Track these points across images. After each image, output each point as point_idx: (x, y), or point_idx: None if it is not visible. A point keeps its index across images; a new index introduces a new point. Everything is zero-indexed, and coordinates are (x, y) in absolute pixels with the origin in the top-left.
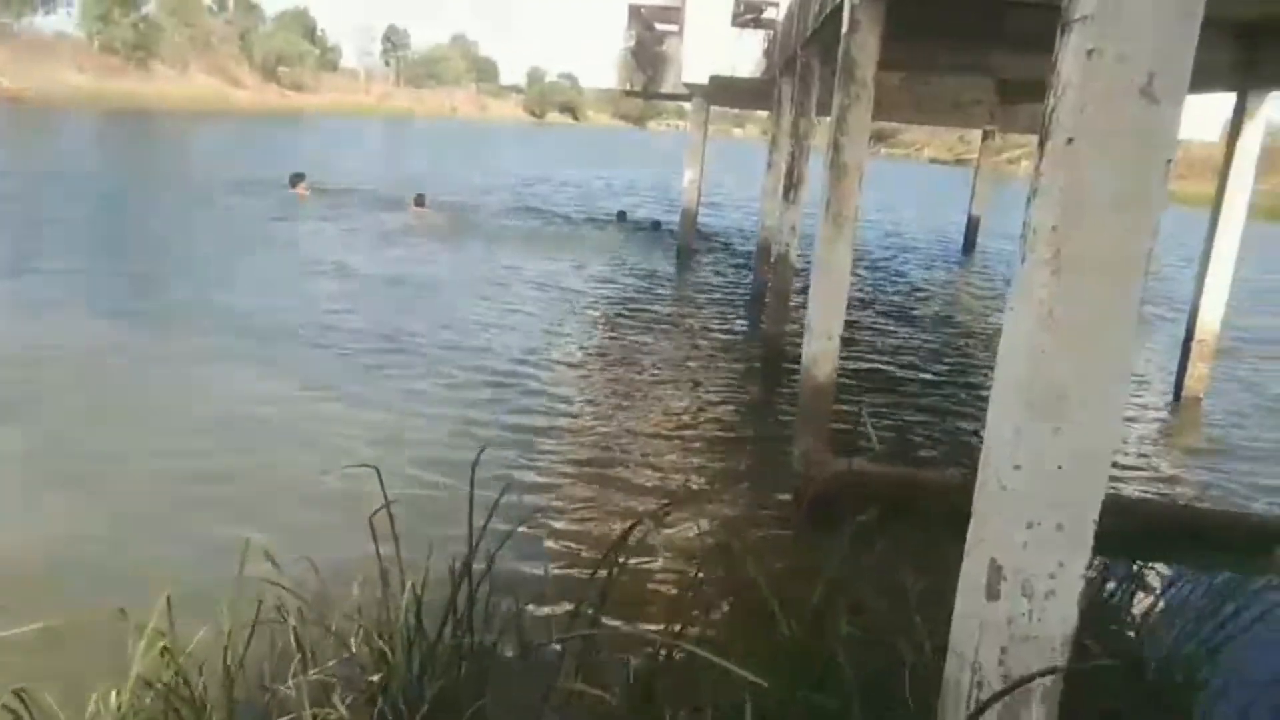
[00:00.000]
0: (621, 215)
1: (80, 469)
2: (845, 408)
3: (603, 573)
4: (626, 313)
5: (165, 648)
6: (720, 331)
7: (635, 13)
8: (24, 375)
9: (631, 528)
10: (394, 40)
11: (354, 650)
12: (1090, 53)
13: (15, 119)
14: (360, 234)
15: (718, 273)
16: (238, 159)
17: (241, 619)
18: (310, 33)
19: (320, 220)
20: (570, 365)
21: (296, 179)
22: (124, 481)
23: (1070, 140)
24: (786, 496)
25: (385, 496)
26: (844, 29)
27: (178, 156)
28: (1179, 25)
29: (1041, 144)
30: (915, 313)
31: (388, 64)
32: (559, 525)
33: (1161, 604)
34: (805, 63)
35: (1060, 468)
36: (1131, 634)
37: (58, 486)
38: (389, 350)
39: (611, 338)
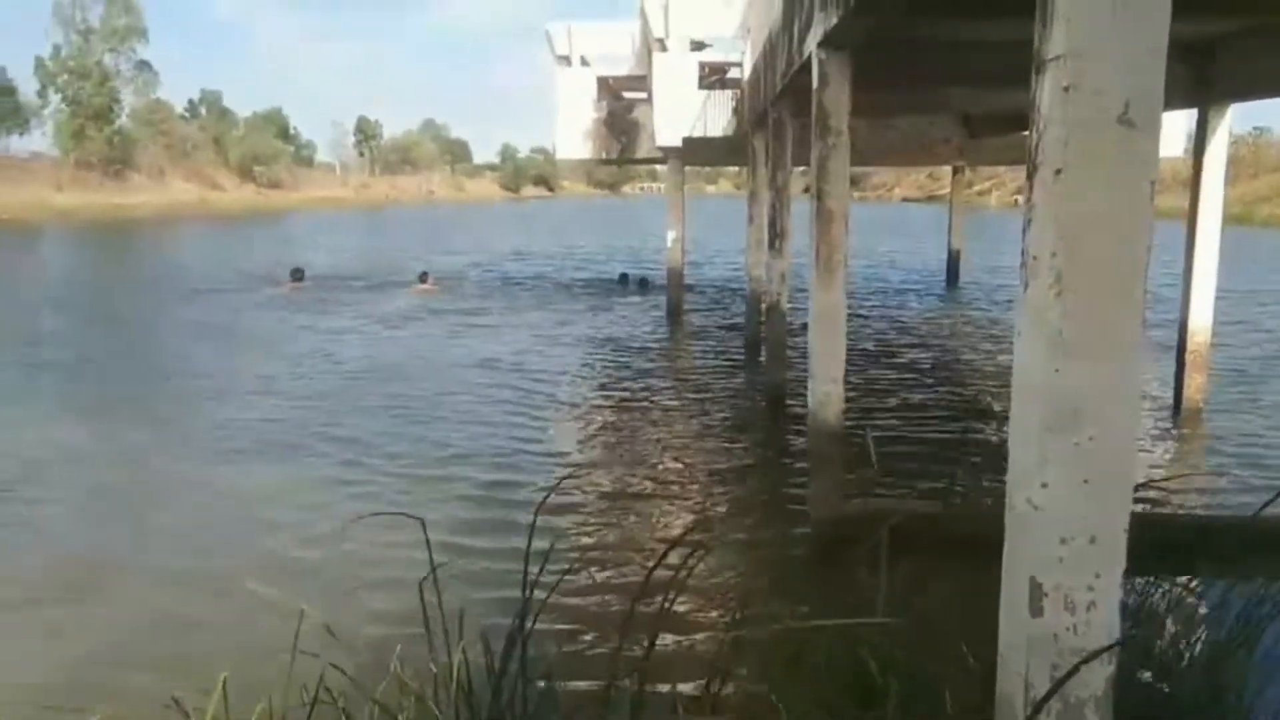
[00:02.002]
0: (624, 278)
1: (121, 564)
2: (852, 448)
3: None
4: (628, 372)
5: None
6: (721, 383)
7: (604, 84)
8: (38, 487)
9: (660, 561)
10: (366, 131)
11: None
12: (1067, 89)
13: None
14: (368, 316)
15: (709, 328)
16: (228, 259)
17: (291, 700)
18: (284, 131)
19: (325, 309)
20: (577, 425)
21: (296, 273)
22: (163, 574)
23: (1058, 171)
24: (804, 535)
25: (431, 558)
26: (815, 83)
27: (164, 262)
28: (1148, 56)
29: (1030, 176)
30: (910, 348)
31: (362, 154)
32: (588, 581)
33: (1196, 616)
34: (777, 118)
35: (1086, 482)
36: (1167, 648)
37: (98, 585)
38: (402, 431)
39: (616, 395)
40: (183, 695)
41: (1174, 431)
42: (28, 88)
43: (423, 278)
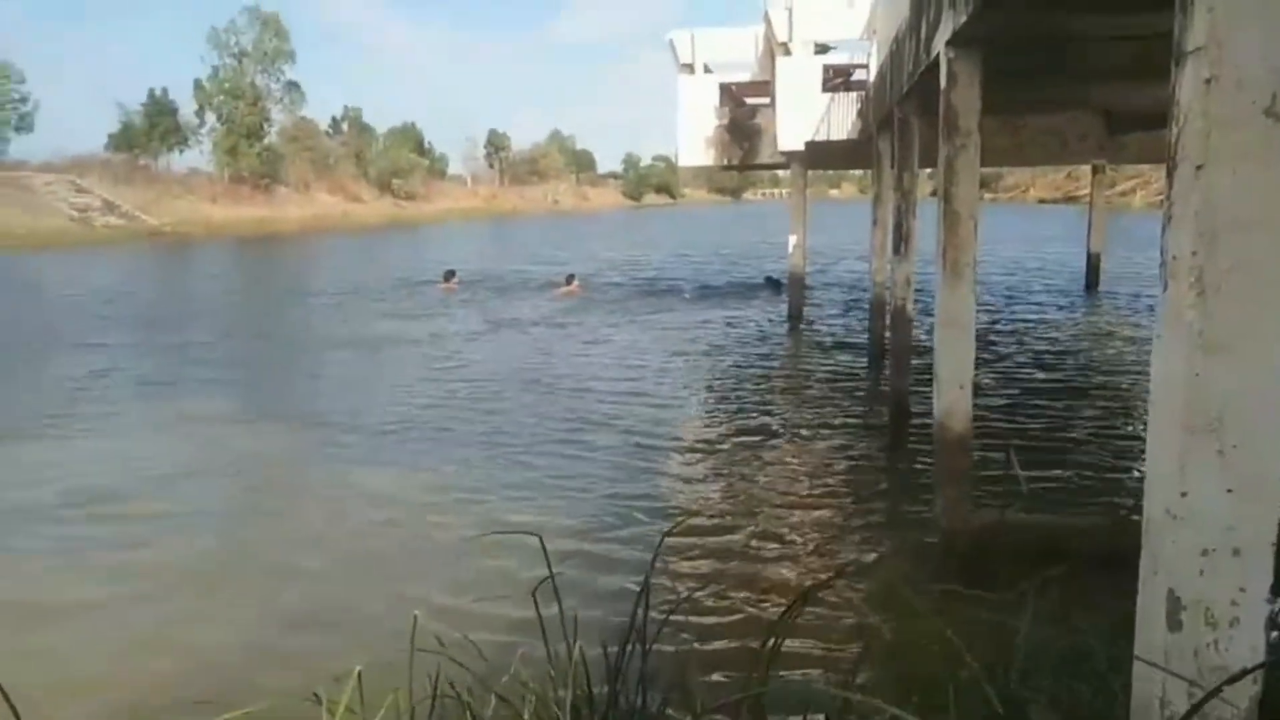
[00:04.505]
0: (769, 281)
1: (260, 566)
2: (981, 456)
3: (769, 640)
4: (753, 377)
5: None
6: (844, 389)
7: (726, 90)
8: (193, 486)
9: (802, 597)
10: (495, 144)
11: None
12: (1208, 81)
13: (159, 252)
14: (518, 316)
15: (832, 332)
16: (383, 265)
17: (418, 694)
18: (419, 145)
19: (479, 309)
20: (704, 430)
21: (449, 274)
22: (295, 575)
23: (1200, 167)
24: (932, 545)
25: (549, 565)
26: (943, 82)
27: (319, 269)
28: None
29: (1170, 173)
30: (1043, 356)
31: (491, 166)
32: (712, 593)
33: None
34: (903, 119)
35: (1229, 491)
36: None
37: (241, 584)
38: (539, 434)
39: (740, 401)
40: (320, 689)
41: None
42: (186, 108)
43: (569, 280)
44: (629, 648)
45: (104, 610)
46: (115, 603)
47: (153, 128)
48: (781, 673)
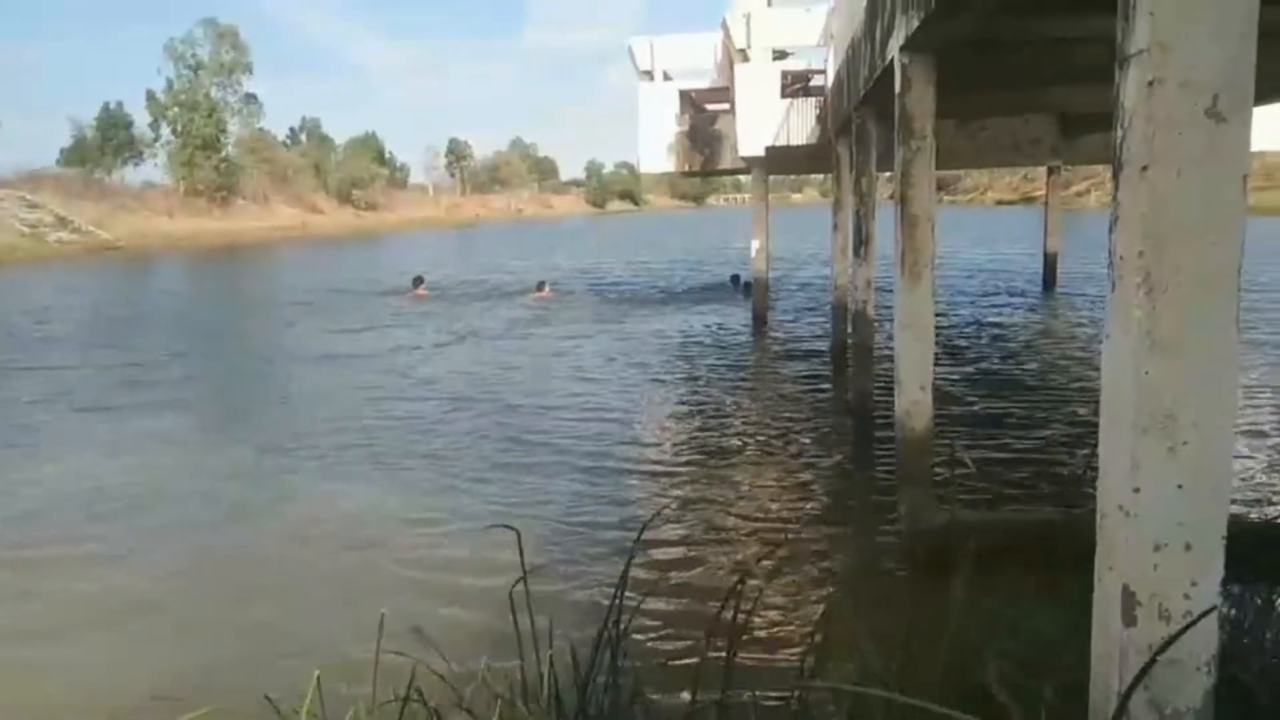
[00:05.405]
0: (735, 280)
1: (214, 586)
2: (943, 456)
3: (722, 642)
4: (716, 381)
5: None
6: (807, 389)
7: (687, 97)
8: (138, 510)
9: (741, 581)
10: (457, 152)
11: None
12: (1151, 83)
13: (112, 267)
14: (493, 320)
15: (796, 335)
16: (346, 274)
17: (381, 697)
18: (379, 155)
19: (452, 314)
20: (666, 429)
21: (418, 281)
22: (262, 578)
23: (1144, 169)
24: (892, 546)
25: (523, 564)
26: (897, 87)
27: (281, 280)
28: (1236, 45)
29: (1116, 175)
30: (1002, 357)
31: (453, 175)
32: (672, 588)
33: None
34: (861, 123)
35: (1180, 486)
36: (1269, 660)
37: (195, 604)
38: (511, 437)
39: (702, 403)
40: (277, 696)
41: None
42: (140, 120)
43: (540, 286)
44: (598, 655)
45: (51, 637)
46: (65, 629)
47: (106, 141)
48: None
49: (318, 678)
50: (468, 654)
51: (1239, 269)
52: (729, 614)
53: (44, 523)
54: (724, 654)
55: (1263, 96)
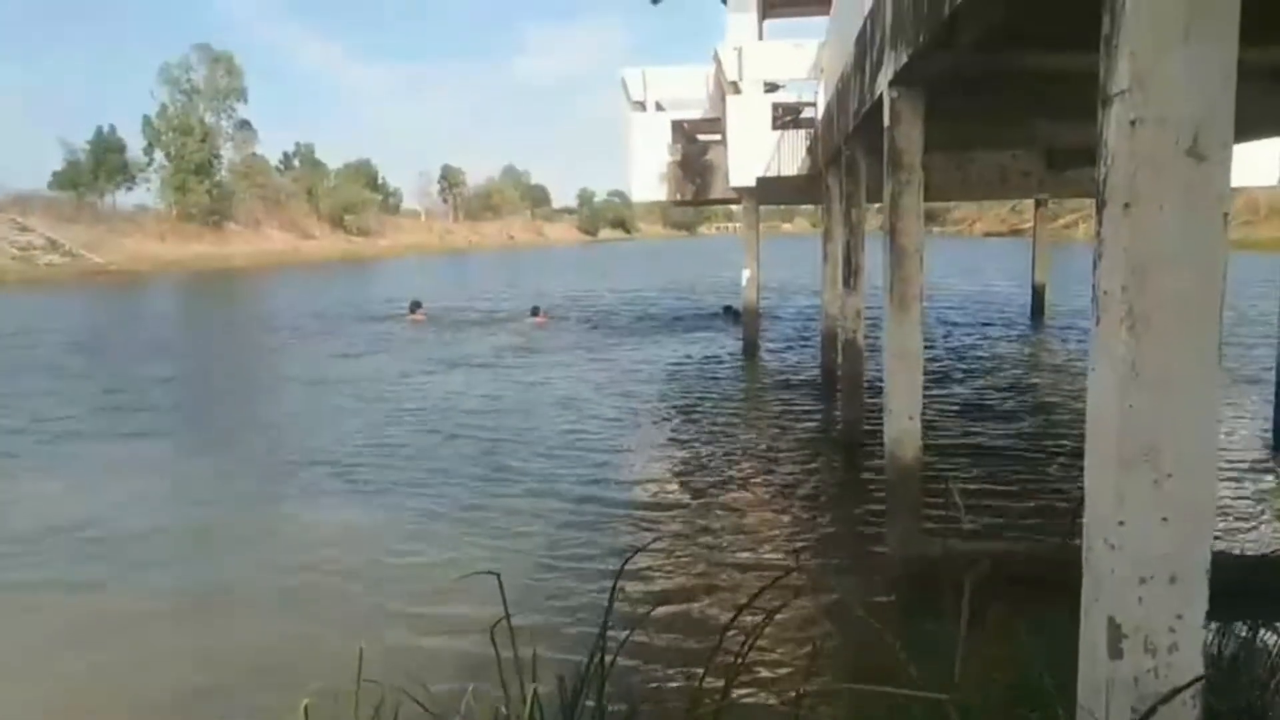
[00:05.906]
0: (728, 310)
1: (200, 610)
2: (933, 486)
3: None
4: (706, 409)
5: None
6: (797, 419)
7: (679, 127)
8: (128, 533)
9: (734, 619)
10: (450, 179)
11: None
12: (1134, 122)
13: (102, 291)
14: (489, 347)
15: (785, 364)
16: (340, 300)
17: None
18: (373, 180)
19: (447, 340)
20: (655, 458)
21: (415, 306)
22: (237, 618)
23: (1127, 205)
24: (881, 578)
25: (505, 605)
26: (886, 121)
27: (275, 305)
28: (1216, 84)
29: (1099, 210)
30: (990, 387)
31: (446, 201)
32: (663, 620)
33: None
34: (850, 156)
35: (1165, 520)
36: (1254, 695)
37: (182, 627)
38: (502, 465)
39: (693, 432)
40: None
41: (1268, 469)
42: (134, 145)
43: (535, 312)
44: (585, 686)
45: (39, 656)
46: (52, 648)
47: (99, 165)
48: (724, 691)
49: (305, 707)
50: (454, 683)
51: (1220, 303)
52: (722, 654)
53: (19, 550)
54: (720, 692)
55: (1245, 134)
